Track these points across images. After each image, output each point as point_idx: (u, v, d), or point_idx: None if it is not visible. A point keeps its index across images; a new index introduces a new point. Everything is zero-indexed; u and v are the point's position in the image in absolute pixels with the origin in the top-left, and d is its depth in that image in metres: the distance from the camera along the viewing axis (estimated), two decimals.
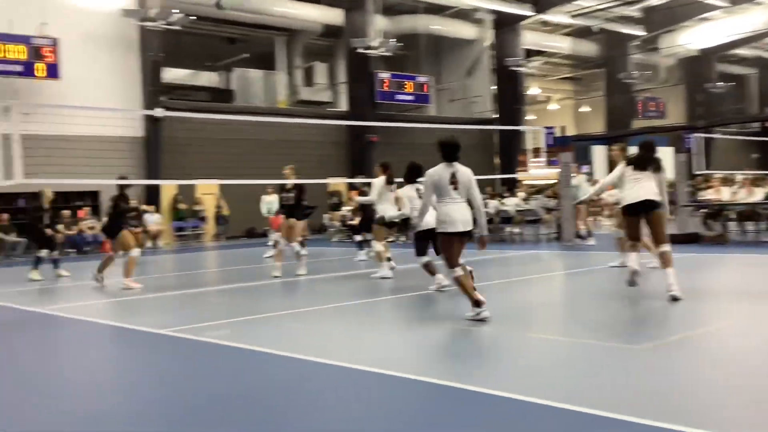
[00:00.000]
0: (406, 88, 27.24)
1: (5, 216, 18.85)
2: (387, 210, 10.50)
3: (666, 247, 7.55)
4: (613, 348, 5.44)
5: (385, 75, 26.67)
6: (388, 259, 10.66)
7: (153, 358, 5.98)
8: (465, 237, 6.75)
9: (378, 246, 10.65)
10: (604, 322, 6.66)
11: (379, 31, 26.20)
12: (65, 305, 9.27)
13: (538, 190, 22.72)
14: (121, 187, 11.28)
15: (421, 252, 8.80)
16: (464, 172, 6.80)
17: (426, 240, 8.63)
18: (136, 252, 10.92)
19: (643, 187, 7.64)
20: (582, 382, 4.55)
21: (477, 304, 6.55)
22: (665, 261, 7.52)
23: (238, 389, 4.66)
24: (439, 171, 6.75)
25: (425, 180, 6.89)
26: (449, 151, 6.79)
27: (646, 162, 7.75)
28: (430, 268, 8.93)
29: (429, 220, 7.69)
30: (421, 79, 28.10)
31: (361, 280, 10.60)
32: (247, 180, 17.30)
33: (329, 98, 28.75)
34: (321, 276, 11.44)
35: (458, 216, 6.65)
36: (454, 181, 6.69)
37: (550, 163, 23.47)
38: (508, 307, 7.74)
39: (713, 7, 29.08)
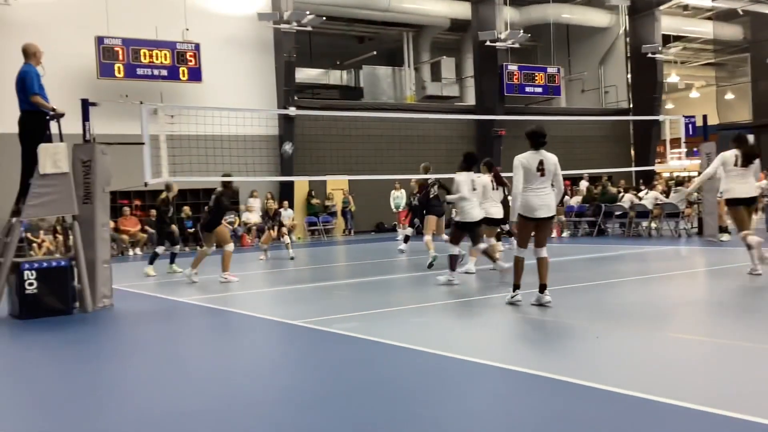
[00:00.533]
0: (536, 79, 26.68)
1: (153, 212, 20.18)
2: (491, 210, 10.42)
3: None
4: (754, 350, 5.10)
5: (513, 67, 26.24)
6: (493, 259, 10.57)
7: (286, 347, 6.21)
8: (546, 221, 7.31)
9: (496, 244, 10.82)
10: (745, 320, 6.24)
11: (506, 23, 25.83)
12: (202, 296, 9.78)
13: (679, 182, 21.61)
14: (225, 185, 11.42)
15: (456, 241, 9.36)
16: (550, 159, 7.31)
17: (464, 231, 9.47)
18: (230, 247, 11.18)
19: (747, 183, 8.68)
20: (719, 382, 4.29)
21: (516, 287, 7.37)
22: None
23: (366, 379, 4.75)
24: (527, 157, 7.27)
25: (515, 166, 7.29)
26: (537, 140, 7.33)
27: (751, 158, 8.65)
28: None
29: (474, 213, 9.23)
30: (552, 70, 27.43)
31: (487, 276, 10.51)
32: (375, 175, 17.59)
33: (456, 93, 28.68)
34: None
35: (540, 203, 7.18)
36: (541, 168, 7.20)
37: (691, 154, 22.26)
38: (644, 304, 7.42)
39: None
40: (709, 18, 30.84)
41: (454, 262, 9.27)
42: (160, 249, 13.16)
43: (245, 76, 22.46)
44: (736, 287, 8.44)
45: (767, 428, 3.43)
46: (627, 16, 28.84)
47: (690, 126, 17.19)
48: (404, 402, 4.24)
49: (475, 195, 9.53)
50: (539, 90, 26.94)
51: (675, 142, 18.49)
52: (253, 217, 21.08)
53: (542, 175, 7.19)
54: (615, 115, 28.36)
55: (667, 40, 30.50)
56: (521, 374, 4.68)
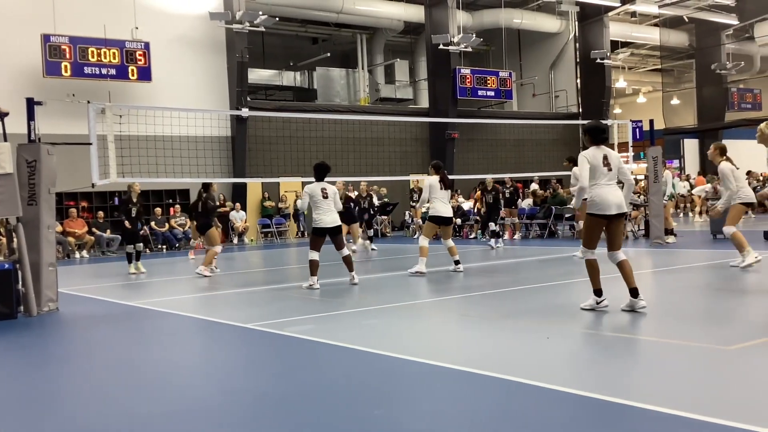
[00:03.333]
0: (488, 83, 26.98)
1: (101, 213, 19.83)
2: (439, 209, 10.85)
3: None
4: (702, 349, 5.24)
5: (466, 71, 26.49)
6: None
7: (238, 351, 6.15)
8: (619, 218, 6.84)
9: (424, 242, 10.92)
10: (694, 322, 6.42)
11: (459, 27, 26.06)
12: (153, 300, 9.63)
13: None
14: (206, 187, 12.11)
15: (313, 247, 9.79)
16: (614, 154, 6.94)
17: (319, 237, 9.80)
18: (218, 248, 12.15)
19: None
20: (660, 381, 4.40)
21: (598, 293, 6.86)
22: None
23: (320, 382, 4.74)
24: (593, 153, 6.86)
25: (581, 161, 6.89)
26: (598, 135, 6.95)
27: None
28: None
29: (326, 219, 9.66)
30: (504, 74, 27.78)
31: (435, 277, 10.58)
32: (328, 177, 17.49)
33: (410, 95, 28.82)
34: (395, 274, 11.47)
35: (612, 199, 6.75)
36: (607, 163, 6.81)
37: (639, 158, 22.77)
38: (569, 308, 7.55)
39: None
40: (655, 25, 31.63)
41: (313, 267, 9.72)
42: (129, 248, 13.27)
43: (196, 76, 22.19)
44: (682, 287, 8.66)
45: (717, 426, 3.52)
46: (577, 22, 29.39)
47: (637, 130, 17.57)
48: (357, 404, 4.24)
49: (325, 203, 9.77)
50: (491, 93, 27.25)
51: (623, 146, 18.89)
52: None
53: (609, 170, 6.81)
54: (565, 119, 28.87)
55: (615, 46, 31.17)
56: (474, 375, 4.72)
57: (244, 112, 20.60)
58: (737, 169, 9.91)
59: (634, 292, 6.71)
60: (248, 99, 23.14)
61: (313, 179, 10.08)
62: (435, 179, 10.88)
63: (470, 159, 26.04)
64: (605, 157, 6.83)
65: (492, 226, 16.31)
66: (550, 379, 4.47)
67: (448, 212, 10.93)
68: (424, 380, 4.73)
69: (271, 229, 23.13)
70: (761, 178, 28.56)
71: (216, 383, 5.00)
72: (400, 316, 7.38)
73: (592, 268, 6.90)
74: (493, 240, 15.98)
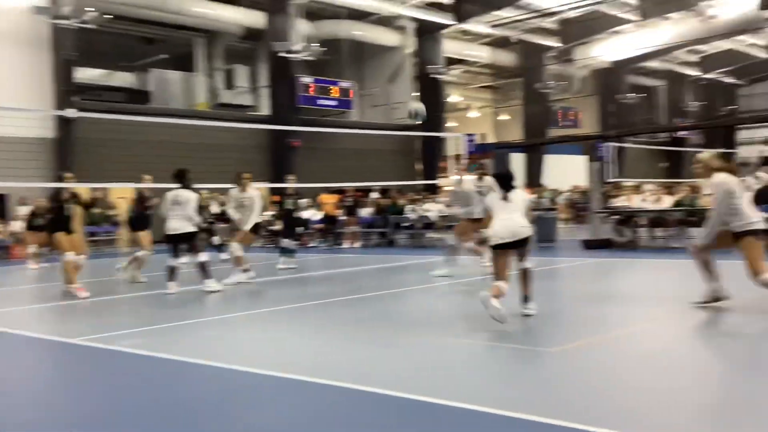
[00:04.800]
0: (330, 93, 27.16)
1: None
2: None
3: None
4: (530, 352, 5.54)
5: (308, 79, 26.53)
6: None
7: (63, 368, 5.72)
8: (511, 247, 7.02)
9: (239, 251, 10.65)
10: (524, 325, 6.78)
11: (301, 36, 26.05)
12: None
13: None
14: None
15: (173, 253, 9.70)
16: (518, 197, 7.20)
17: (170, 243, 9.72)
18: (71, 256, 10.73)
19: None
20: (493, 384, 4.61)
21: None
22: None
23: (153, 399, 4.51)
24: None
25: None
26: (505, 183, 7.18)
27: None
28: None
29: (169, 226, 9.58)
30: (345, 84, 28.10)
31: (273, 287, 10.47)
32: (165, 184, 16.82)
33: (251, 102, 28.40)
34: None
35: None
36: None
37: (470, 170, 23.83)
38: (428, 311, 7.79)
39: (625, 21, 30.25)
40: (487, 44, 33.33)
41: (171, 273, 9.61)
42: None
43: (16, 72, 20.53)
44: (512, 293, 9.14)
45: (547, 427, 3.72)
46: (414, 38, 30.31)
47: (470, 143, 18.42)
48: (195, 420, 4.07)
49: (177, 209, 9.65)
50: (333, 103, 27.48)
51: (457, 159, 19.71)
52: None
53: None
54: (404, 130, 29.67)
55: (450, 62, 32.49)
56: (314, 385, 4.69)
57: (71, 112, 19.32)
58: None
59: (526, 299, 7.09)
60: (75, 99, 21.73)
61: (175, 185, 9.91)
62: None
63: (312, 167, 26.04)
64: (506, 197, 7.12)
65: (285, 242, 13.36)
66: (396, 387, 4.53)
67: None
68: (266, 393, 4.63)
69: (100, 237, 21.82)
70: (581, 191, 30.79)
71: (36, 404, 4.61)
72: (241, 326, 7.22)
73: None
74: (282, 258, 13.12)
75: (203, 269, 9.68)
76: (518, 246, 7.01)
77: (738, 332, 6.18)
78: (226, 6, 26.00)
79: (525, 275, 7.13)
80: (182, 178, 9.97)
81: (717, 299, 6.99)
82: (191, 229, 9.67)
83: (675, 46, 33.43)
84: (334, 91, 27.34)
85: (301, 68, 26.51)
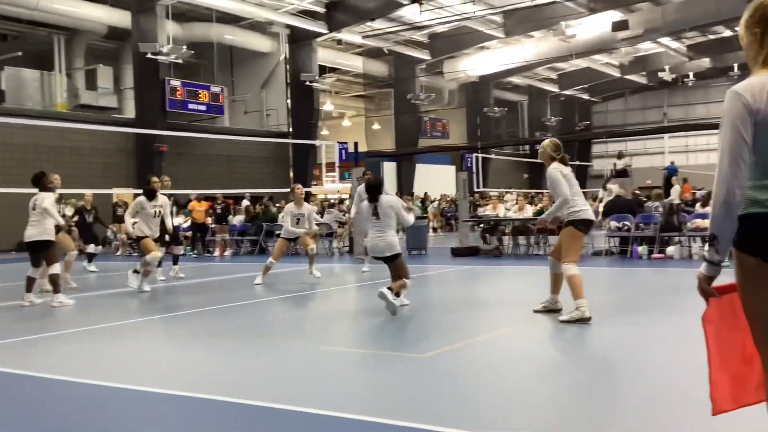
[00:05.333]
0: (200, 97, 26.51)
1: None
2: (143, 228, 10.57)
3: None
4: (402, 358, 5.63)
5: (176, 83, 25.76)
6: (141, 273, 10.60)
7: None
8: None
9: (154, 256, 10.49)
10: (396, 332, 6.88)
11: (169, 37, 25.25)
12: None
13: (331, 204, 23.13)
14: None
15: (33, 263, 9.23)
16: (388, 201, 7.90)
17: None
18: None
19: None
20: (368, 390, 4.64)
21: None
22: None
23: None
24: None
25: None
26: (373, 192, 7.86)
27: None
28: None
29: (25, 233, 9.10)
30: (216, 89, 27.52)
31: (143, 297, 10.08)
32: (18, 189, 15.79)
33: (114, 104, 27.20)
34: (96, 293, 10.70)
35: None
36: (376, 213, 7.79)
37: (344, 178, 24.01)
38: (301, 320, 7.74)
39: (490, 37, 31.51)
40: (360, 54, 33.71)
41: (29, 283, 9.21)
42: None
43: None
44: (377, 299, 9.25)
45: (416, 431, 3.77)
46: (288, 45, 30.17)
47: (343, 152, 18.54)
48: None
49: (34, 215, 9.27)
50: (203, 108, 26.84)
51: (330, 166, 19.79)
52: None
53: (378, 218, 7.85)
54: (276, 137, 29.42)
55: (323, 70, 32.59)
56: (174, 397, 4.53)
57: None
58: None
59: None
60: None
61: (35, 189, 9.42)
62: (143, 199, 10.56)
63: (180, 173, 25.27)
64: (375, 207, 7.79)
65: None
66: (268, 397, 4.46)
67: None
68: (127, 408, 4.43)
69: None
70: (449, 199, 31.77)
71: None
72: (103, 339, 6.86)
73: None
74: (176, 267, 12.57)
75: (53, 283, 9.12)
76: (387, 261, 7.83)
77: (598, 336, 6.56)
78: (89, 3, 24.79)
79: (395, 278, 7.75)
80: (38, 183, 9.39)
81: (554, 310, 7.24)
82: (47, 237, 9.10)
83: (536, 63, 35.19)
84: (204, 96, 26.72)
85: (170, 71, 25.71)
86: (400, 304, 7.70)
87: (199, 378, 5.12)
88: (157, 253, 10.49)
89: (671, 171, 24.34)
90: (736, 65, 35.47)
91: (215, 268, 15.26)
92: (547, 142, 7.31)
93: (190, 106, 26.16)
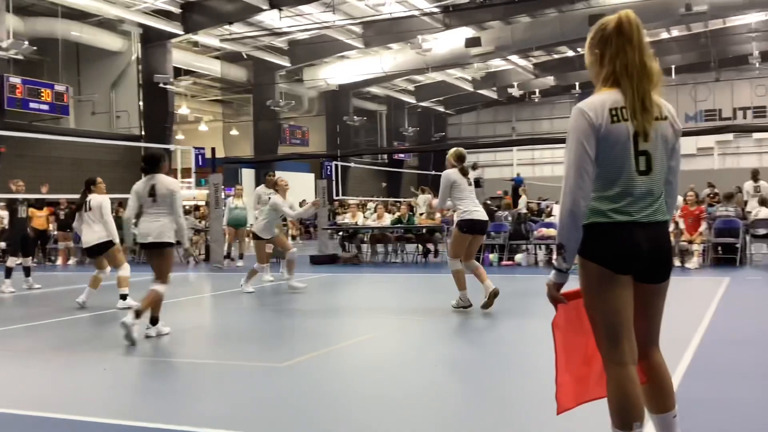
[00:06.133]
0: (42, 96, 24.83)
1: None
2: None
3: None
4: (259, 367, 5.52)
5: (16, 80, 24.00)
6: None
7: None
8: (151, 248, 6.79)
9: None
10: (253, 342, 6.74)
11: (9, 32, 23.50)
12: None
13: (187, 211, 22.42)
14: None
15: None
16: (163, 183, 6.85)
17: None
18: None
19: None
20: (222, 402, 4.51)
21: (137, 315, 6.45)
22: None
23: None
24: (143, 183, 6.86)
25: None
26: (150, 164, 6.99)
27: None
28: None
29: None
30: (60, 87, 25.89)
31: None
32: None
33: None
34: None
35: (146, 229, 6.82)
36: (153, 193, 6.79)
37: (200, 184, 23.34)
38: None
39: (350, 47, 31.80)
40: (217, 57, 32.96)
41: None
42: None
43: None
44: (240, 309, 9.05)
45: None
46: (140, 44, 28.97)
47: (200, 157, 18.03)
48: None
49: None
50: (45, 107, 25.13)
51: (186, 172, 19.16)
52: None
53: (154, 200, 6.81)
54: (127, 140, 28.11)
55: (179, 72, 31.57)
56: (26, 418, 4.20)
57: None
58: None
59: (154, 320, 6.78)
60: None
61: None
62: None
63: (20, 176, 23.51)
64: (153, 187, 6.81)
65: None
66: (116, 413, 4.22)
67: None
68: None
69: None
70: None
71: None
72: None
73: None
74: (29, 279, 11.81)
75: None
76: (152, 252, 6.80)
77: (456, 339, 6.74)
78: None
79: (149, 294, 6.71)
80: None
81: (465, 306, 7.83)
82: None
83: (394, 75, 35.94)
84: (47, 95, 25.05)
85: (9, 67, 23.92)
86: (158, 332, 6.76)
87: (35, 395, 4.76)
88: None
89: (518, 182, 25.57)
90: (577, 84, 37.86)
91: (57, 278, 14.31)
92: (452, 150, 8.06)
93: (32, 105, 24.43)
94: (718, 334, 6.32)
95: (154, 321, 6.73)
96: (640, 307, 2.77)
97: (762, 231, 13.06)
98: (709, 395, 4.37)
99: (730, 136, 37.62)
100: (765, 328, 6.77)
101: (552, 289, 2.82)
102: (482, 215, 7.86)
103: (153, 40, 28.63)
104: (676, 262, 12.00)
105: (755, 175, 16.03)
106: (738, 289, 9.65)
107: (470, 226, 7.72)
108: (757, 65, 32.29)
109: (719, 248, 13.03)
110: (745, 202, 15.51)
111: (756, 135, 37.70)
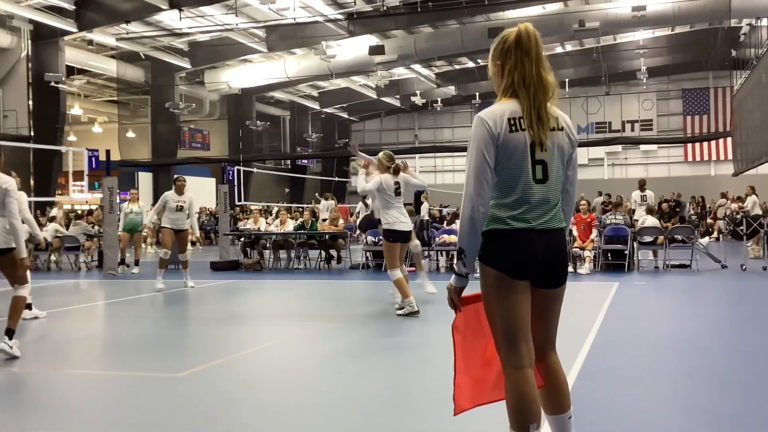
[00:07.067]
0: None
1: None
2: None
3: None
4: (155, 378, 5.34)
5: None
6: None
7: None
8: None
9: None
10: (149, 351, 6.52)
11: None
12: None
13: (79, 215, 21.49)
14: None
15: None
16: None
17: None
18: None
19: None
20: (114, 415, 4.35)
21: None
22: None
23: None
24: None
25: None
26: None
27: None
28: None
29: None
30: None
31: None
32: None
33: None
34: None
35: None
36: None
37: (94, 188, 22.44)
38: (44, 343, 7.05)
39: (253, 50, 31.38)
40: (113, 57, 31.80)
41: None
42: None
43: None
44: (134, 318, 8.74)
45: None
46: (30, 41, 27.60)
47: (93, 159, 17.34)
48: None
49: None
50: None
51: (78, 175, 18.37)
52: None
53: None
54: (14, 141, 26.68)
55: (72, 71, 30.27)
56: None
57: None
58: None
59: (9, 333, 5.95)
60: None
61: None
62: None
63: None
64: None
65: None
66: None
67: None
68: None
69: None
70: (209, 212, 31.05)
71: None
72: None
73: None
74: None
75: None
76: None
77: (359, 343, 6.74)
78: None
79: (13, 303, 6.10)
80: None
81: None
82: None
83: (298, 80, 35.73)
84: None
85: None
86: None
87: None
88: None
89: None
90: (478, 94, 38.85)
91: None
92: (381, 154, 8.32)
93: None
94: (609, 337, 6.61)
95: (9, 333, 5.96)
96: (537, 311, 2.86)
97: (648, 238, 13.78)
98: (602, 396, 4.55)
99: (619, 148, 39.62)
100: (651, 331, 7.14)
101: (452, 293, 2.87)
102: (405, 226, 8.18)
103: (44, 37, 27.37)
104: (569, 268, 12.48)
105: (642, 185, 16.92)
106: (626, 293, 10.14)
107: (395, 236, 8.08)
108: (645, 80, 34.12)
109: (609, 254, 13.64)
110: (633, 211, 16.34)
111: (643, 147, 39.86)
